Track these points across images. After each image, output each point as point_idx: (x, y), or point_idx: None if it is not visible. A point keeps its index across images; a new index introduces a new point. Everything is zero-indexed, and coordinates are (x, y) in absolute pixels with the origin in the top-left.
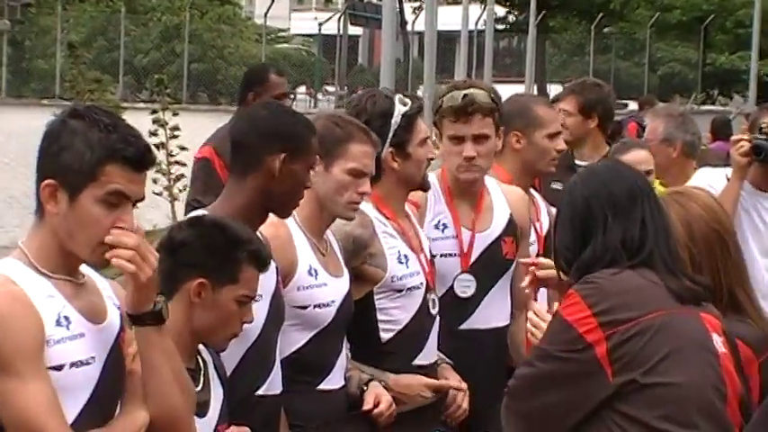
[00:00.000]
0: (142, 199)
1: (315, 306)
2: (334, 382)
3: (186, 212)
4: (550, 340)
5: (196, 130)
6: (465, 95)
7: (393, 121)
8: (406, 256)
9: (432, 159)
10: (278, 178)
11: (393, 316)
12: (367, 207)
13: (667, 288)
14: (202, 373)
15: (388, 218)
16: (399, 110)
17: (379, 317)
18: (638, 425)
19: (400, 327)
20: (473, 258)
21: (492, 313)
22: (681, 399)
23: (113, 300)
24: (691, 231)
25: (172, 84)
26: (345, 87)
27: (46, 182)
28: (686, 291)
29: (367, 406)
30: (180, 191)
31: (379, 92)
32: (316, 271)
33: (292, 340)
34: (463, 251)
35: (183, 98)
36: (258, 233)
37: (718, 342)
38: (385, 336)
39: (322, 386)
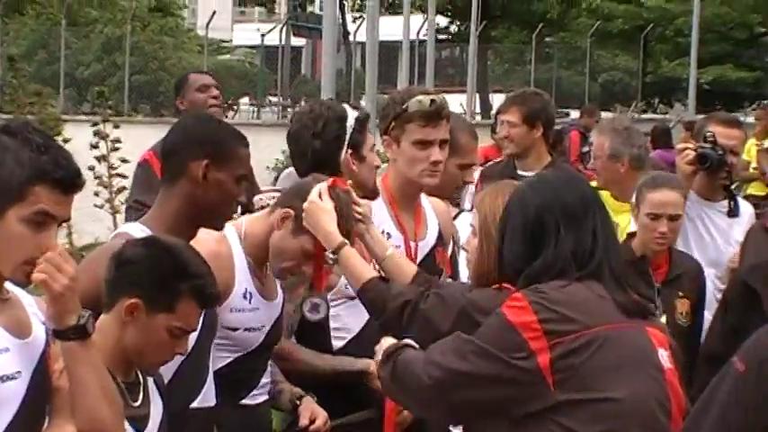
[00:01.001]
0: (68, 220)
1: (245, 329)
2: (256, 397)
3: (126, 215)
4: (491, 340)
5: (138, 142)
6: (433, 100)
7: (348, 124)
8: None
9: (378, 167)
10: (202, 185)
11: (345, 324)
12: None
13: (614, 301)
14: (141, 386)
15: None
16: (352, 114)
17: (332, 324)
18: None
19: (352, 335)
20: None
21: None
22: (623, 414)
23: (38, 315)
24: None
25: (113, 96)
26: (289, 98)
27: None
28: (633, 304)
29: (303, 422)
30: (121, 203)
31: (329, 101)
32: (251, 294)
33: (216, 359)
34: (412, 259)
35: (124, 110)
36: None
37: (664, 357)
38: (337, 343)
39: (245, 401)
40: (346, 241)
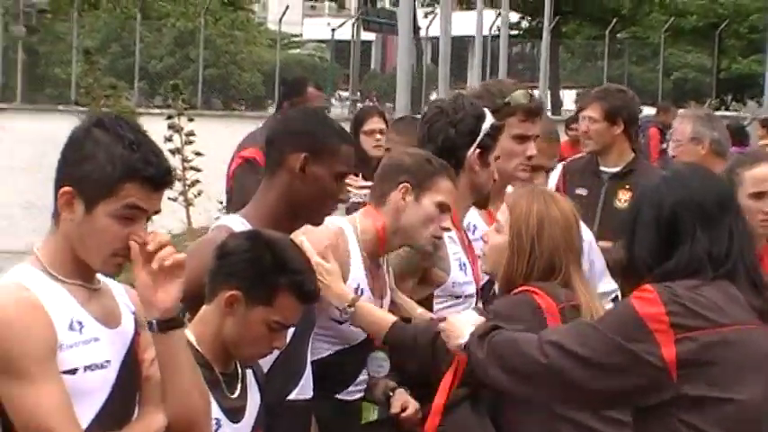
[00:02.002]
0: (158, 211)
1: (351, 324)
2: (353, 393)
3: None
4: (616, 328)
5: (210, 136)
6: (532, 96)
7: (484, 125)
8: (465, 264)
9: (495, 180)
10: (300, 178)
11: None
12: None
13: (748, 303)
14: (240, 378)
15: (453, 224)
16: (490, 118)
17: None
18: None
19: None
20: None
21: None
22: (744, 417)
23: (128, 305)
24: (542, 228)
25: (186, 89)
26: (358, 93)
27: (63, 189)
28: (765, 306)
29: (394, 410)
30: (195, 196)
31: (470, 98)
32: (362, 291)
33: (316, 350)
34: None
35: (197, 104)
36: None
37: None
38: None
39: (341, 396)
40: (357, 296)
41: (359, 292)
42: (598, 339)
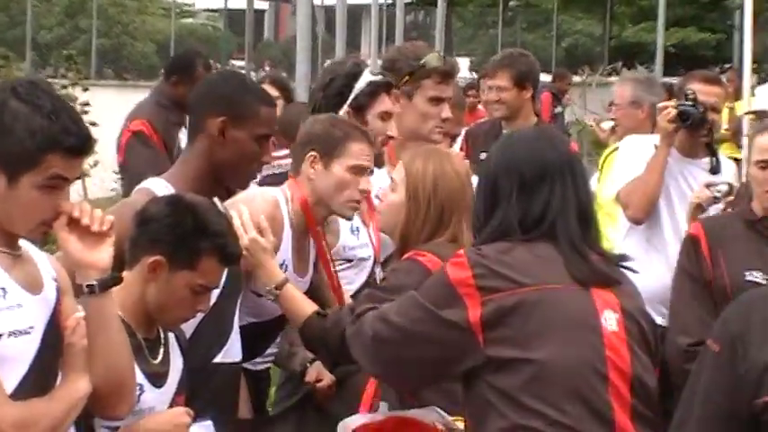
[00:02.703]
0: (80, 177)
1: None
2: (257, 364)
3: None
4: (428, 294)
5: (105, 106)
6: (446, 59)
7: (357, 84)
8: (357, 228)
9: (390, 138)
10: (220, 143)
11: (344, 286)
12: None
13: (565, 266)
14: (162, 343)
15: None
16: (368, 77)
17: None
18: (509, 400)
19: (348, 295)
20: None
21: None
22: (548, 378)
23: (50, 272)
24: (437, 186)
25: (78, 60)
26: (253, 63)
27: None
28: (588, 272)
29: (308, 379)
30: (90, 166)
31: (354, 58)
32: (286, 267)
33: None
34: None
35: (90, 74)
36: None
37: (610, 319)
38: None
39: (247, 365)
40: (285, 279)
41: (284, 268)
42: (413, 307)
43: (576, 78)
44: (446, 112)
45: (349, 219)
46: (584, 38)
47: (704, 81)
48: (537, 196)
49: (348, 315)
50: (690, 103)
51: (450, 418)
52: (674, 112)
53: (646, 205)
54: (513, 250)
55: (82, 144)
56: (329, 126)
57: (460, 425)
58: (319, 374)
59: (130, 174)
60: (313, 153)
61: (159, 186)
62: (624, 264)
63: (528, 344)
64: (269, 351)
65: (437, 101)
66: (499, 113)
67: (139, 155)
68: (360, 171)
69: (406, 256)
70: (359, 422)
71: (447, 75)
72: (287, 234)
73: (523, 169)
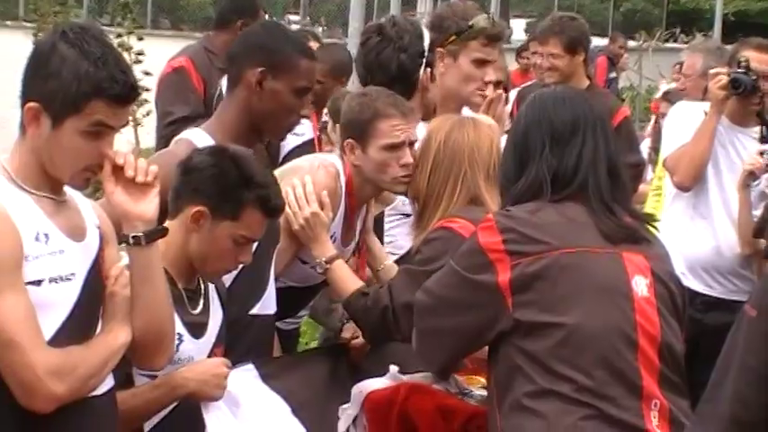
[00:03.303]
0: (126, 125)
1: (312, 267)
2: (289, 323)
3: (160, 123)
4: (460, 260)
5: (159, 56)
6: (494, 21)
7: (426, 43)
8: None
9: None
10: (257, 94)
11: (397, 239)
12: None
13: (595, 225)
14: (202, 294)
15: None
16: (427, 35)
17: (386, 239)
18: (538, 364)
19: (402, 251)
20: None
21: None
22: (577, 343)
23: (94, 219)
24: (446, 140)
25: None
26: (308, 17)
27: (30, 104)
28: (618, 229)
29: (345, 335)
30: (144, 116)
31: (403, 17)
32: (335, 238)
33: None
34: None
35: (146, 24)
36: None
37: (641, 284)
38: (390, 258)
39: (279, 324)
40: (335, 255)
41: (333, 239)
42: (447, 274)
43: (633, 44)
44: (489, 75)
45: (402, 194)
46: (642, 2)
47: (758, 49)
48: (570, 149)
49: (387, 295)
50: (742, 70)
51: (463, 380)
52: (725, 79)
53: (693, 172)
54: (543, 211)
55: (127, 92)
56: (357, 108)
57: (473, 388)
58: (355, 332)
59: (161, 108)
60: (350, 141)
61: (199, 137)
62: (652, 223)
63: (557, 308)
64: (300, 313)
65: (482, 63)
66: (552, 80)
67: (173, 89)
68: (395, 148)
69: (437, 224)
70: (372, 387)
71: (494, 37)
72: (341, 207)
73: (555, 122)
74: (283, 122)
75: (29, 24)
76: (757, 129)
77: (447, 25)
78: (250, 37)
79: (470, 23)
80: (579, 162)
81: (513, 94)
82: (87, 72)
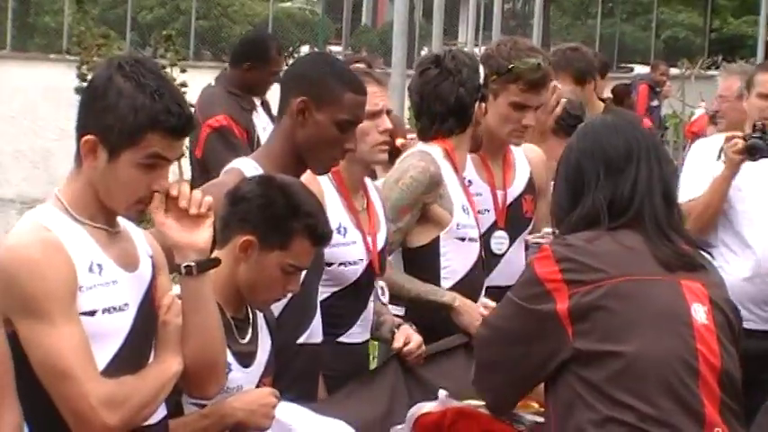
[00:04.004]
0: (181, 156)
1: (340, 264)
2: (355, 335)
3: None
4: (518, 291)
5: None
6: (539, 66)
7: (481, 76)
8: (467, 207)
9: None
10: (300, 124)
11: (452, 264)
12: (437, 153)
13: (652, 253)
14: (251, 323)
15: (455, 169)
16: (482, 68)
17: (442, 263)
18: (599, 393)
19: (459, 276)
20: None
21: (510, 271)
22: (639, 372)
23: (146, 249)
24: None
25: (177, 41)
26: (350, 48)
27: (87, 137)
28: (675, 256)
29: (396, 344)
30: (187, 147)
31: (460, 50)
32: (345, 229)
33: None
34: (498, 208)
35: (188, 55)
36: None
37: (700, 312)
38: (445, 284)
39: (343, 339)
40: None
41: (341, 231)
42: (506, 306)
43: (675, 71)
44: (528, 119)
45: (380, 163)
46: (684, 30)
47: None
48: (625, 176)
49: None
50: (758, 135)
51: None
52: (741, 143)
53: (701, 225)
54: (600, 240)
55: (183, 125)
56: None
57: (525, 413)
58: (407, 337)
59: (213, 167)
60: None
61: (248, 166)
62: (706, 249)
63: (617, 336)
64: (364, 319)
65: (519, 107)
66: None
67: (221, 147)
68: (374, 115)
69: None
70: (422, 410)
71: (535, 84)
72: (331, 198)
73: (609, 150)
74: (325, 155)
75: (72, 57)
76: None
77: (491, 64)
78: (298, 66)
79: (511, 66)
80: (635, 190)
81: None
82: (144, 104)
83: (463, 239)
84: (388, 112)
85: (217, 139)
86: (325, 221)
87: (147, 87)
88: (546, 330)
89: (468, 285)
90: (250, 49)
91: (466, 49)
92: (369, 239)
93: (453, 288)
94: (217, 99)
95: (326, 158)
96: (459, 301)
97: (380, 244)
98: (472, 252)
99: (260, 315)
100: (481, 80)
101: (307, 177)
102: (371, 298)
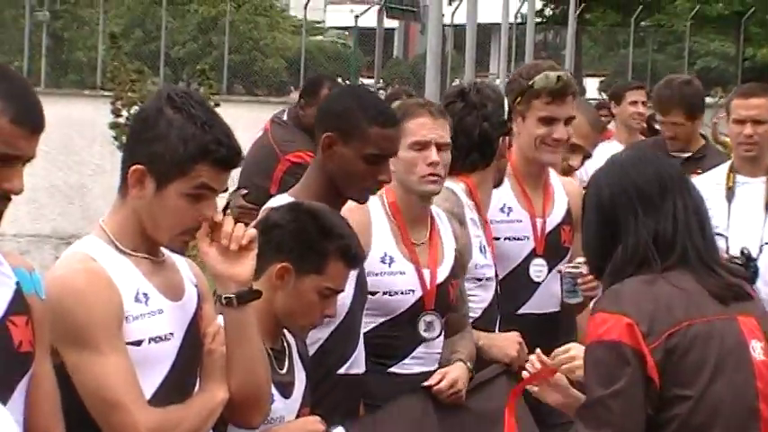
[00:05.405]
0: (226, 190)
1: (384, 293)
2: (408, 366)
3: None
4: (600, 370)
5: (235, 121)
6: (559, 77)
7: (506, 109)
8: (485, 247)
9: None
10: (329, 158)
11: (471, 304)
12: (460, 191)
13: (707, 289)
14: (287, 354)
15: (477, 207)
16: (506, 101)
17: None
18: None
19: (476, 315)
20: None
21: (547, 299)
22: (704, 414)
23: (191, 278)
24: None
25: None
26: (381, 80)
27: (135, 167)
28: (726, 289)
29: (430, 382)
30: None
31: (485, 83)
32: (391, 258)
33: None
34: (537, 235)
35: (221, 90)
36: None
37: (757, 349)
38: None
39: (394, 369)
40: None
41: (386, 260)
42: (600, 383)
43: (709, 100)
44: (559, 132)
45: (430, 194)
46: (716, 59)
47: (743, 95)
48: (664, 212)
49: None
50: (740, 260)
51: None
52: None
53: None
54: (657, 285)
55: (232, 156)
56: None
57: None
58: (442, 375)
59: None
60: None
61: (286, 201)
62: (744, 276)
63: (685, 380)
64: (424, 352)
65: (548, 121)
66: (675, 148)
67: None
68: (422, 147)
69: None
70: None
71: (557, 93)
72: (381, 226)
73: (643, 186)
74: (358, 186)
75: (107, 93)
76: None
77: (513, 87)
78: (326, 102)
79: (530, 83)
80: (676, 225)
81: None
82: (194, 135)
83: (480, 279)
84: (440, 147)
85: (297, 172)
86: (357, 243)
87: (197, 119)
88: (641, 386)
89: (484, 323)
90: (305, 87)
91: (497, 81)
92: (425, 272)
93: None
94: (292, 135)
95: (360, 190)
96: (482, 339)
97: (440, 278)
98: (489, 291)
99: (294, 346)
100: (506, 114)
101: (353, 205)
102: (432, 331)
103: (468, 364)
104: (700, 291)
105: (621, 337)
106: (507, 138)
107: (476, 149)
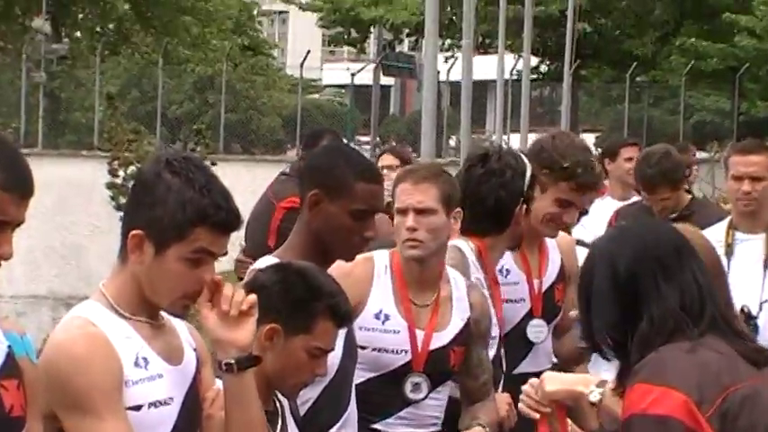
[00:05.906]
0: (226, 253)
1: (373, 349)
2: (393, 425)
3: None
4: None
5: (233, 180)
6: (592, 169)
7: (527, 180)
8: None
9: None
10: (315, 215)
11: None
12: (467, 249)
13: (740, 355)
14: (280, 415)
15: (485, 268)
16: (529, 168)
17: None
18: None
19: None
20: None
21: (539, 358)
22: None
23: (190, 341)
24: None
25: (206, 134)
26: (378, 137)
27: (134, 232)
28: (757, 353)
29: None
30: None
31: (508, 149)
32: (386, 316)
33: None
34: (534, 296)
35: (218, 148)
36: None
37: None
38: None
39: (377, 426)
40: None
41: (380, 317)
42: None
43: (704, 154)
44: (569, 216)
45: (410, 259)
46: (712, 114)
47: (740, 152)
48: (685, 279)
49: None
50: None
51: None
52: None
53: None
54: (698, 353)
55: (230, 220)
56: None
57: None
58: None
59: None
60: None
61: (270, 262)
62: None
63: None
64: (411, 412)
65: (565, 204)
66: (665, 215)
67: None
68: (401, 212)
69: None
70: None
71: (587, 186)
72: (381, 284)
73: (659, 253)
74: (345, 244)
75: (103, 153)
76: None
77: (544, 157)
78: (311, 159)
79: (566, 165)
80: (701, 291)
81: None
82: (192, 199)
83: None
84: (418, 211)
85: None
86: (346, 301)
87: (195, 182)
88: None
89: None
90: (306, 139)
91: (493, 137)
92: (419, 333)
93: None
94: (289, 184)
95: (347, 247)
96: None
97: (438, 343)
98: (492, 349)
99: (287, 407)
100: (526, 184)
101: (359, 258)
102: (419, 393)
103: (488, 429)
104: (734, 355)
105: (672, 413)
106: (526, 206)
107: (489, 217)
